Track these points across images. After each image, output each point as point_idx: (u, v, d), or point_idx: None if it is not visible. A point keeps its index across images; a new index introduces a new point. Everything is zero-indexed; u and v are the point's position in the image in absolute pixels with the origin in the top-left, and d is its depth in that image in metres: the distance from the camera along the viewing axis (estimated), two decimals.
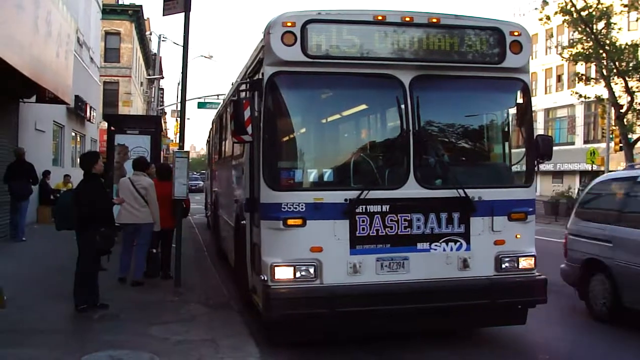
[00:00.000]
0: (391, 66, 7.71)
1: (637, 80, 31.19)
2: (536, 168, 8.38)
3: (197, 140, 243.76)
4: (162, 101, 65.89)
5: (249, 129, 7.44)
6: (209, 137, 20.95)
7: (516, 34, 8.01)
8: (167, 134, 63.33)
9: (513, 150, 8.55)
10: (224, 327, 8.42)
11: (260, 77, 7.62)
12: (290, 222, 7.30)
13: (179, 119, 14.73)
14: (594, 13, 30.10)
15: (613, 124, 34.71)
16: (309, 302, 7.25)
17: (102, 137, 31.30)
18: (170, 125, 69.87)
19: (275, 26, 7.38)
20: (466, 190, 7.64)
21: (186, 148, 12.16)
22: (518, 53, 7.99)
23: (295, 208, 7.31)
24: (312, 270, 7.34)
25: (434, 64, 7.82)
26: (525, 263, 8.01)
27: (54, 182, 21.59)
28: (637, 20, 38.11)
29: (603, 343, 8.86)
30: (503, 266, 7.89)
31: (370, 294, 7.37)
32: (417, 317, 7.73)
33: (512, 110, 8.53)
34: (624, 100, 32.25)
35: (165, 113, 65.84)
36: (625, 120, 32.27)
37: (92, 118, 30.51)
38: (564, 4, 30.72)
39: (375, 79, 7.80)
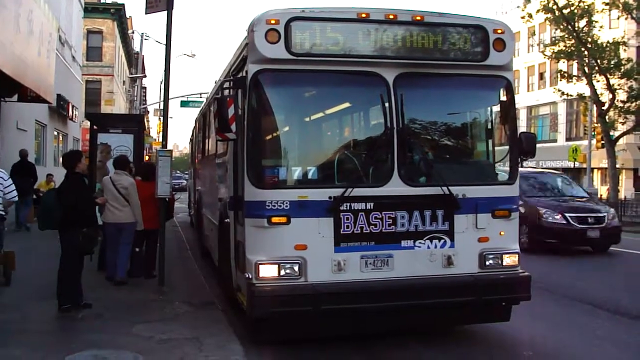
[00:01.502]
0: (375, 64, 7.71)
1: (618, 77, 31.53)
2: (519, 165, 8.40)
3: (180, 139, 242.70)
4: (145, 100, 65.59)
5: (233, 127, 7.41)
6: (192, 135, 20.84)
7: (499, 31, 8.02)
8: (150, 133, 63.07)
9: (496, 148, 8.58)
10: (207, 326, 8.41)
11: (244, 74, 7.61)
12: (275, 220, 7.30)
13: (161, 117, 14.68)
14: (575, 11, 30.38)
15: (595, 121, 34.99)
16: (293, 300, 7.24)
17: (85, 136, 31.06)
18: (153, 124, 69.70)
19: (259, 24, 7.35)
20: (450, 187, 7.65)
21: (169, 147, 12.13)
22: (501, 51, 8.00)
23: (280, 206, 7.30)
24: (296, 268, 7.33)
25: (417, 61, 7.83)
26: (509, 260, 8.04)
27: (37, 182, 21.42)
28: (618, 19, 38.40)
29: None
30: (487, 263, 7.91)
31: (354, 292, 7.38)
32: (401, 315, 7.73)
33: (496, 108, 8.53)
34: (605, 97, 32.59)
35: (148, 112, 65.59)
36: (607, 117, 32.60)
37: (74, 117, 30.34)
38: (546, 2, 30.97)
39: (360, 77, 7.79)
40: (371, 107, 8.42)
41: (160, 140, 15.12)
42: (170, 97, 12.55)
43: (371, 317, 7.64)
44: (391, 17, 7.71)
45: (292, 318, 7.46)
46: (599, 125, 33.36)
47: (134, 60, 59.43)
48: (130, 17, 56.08)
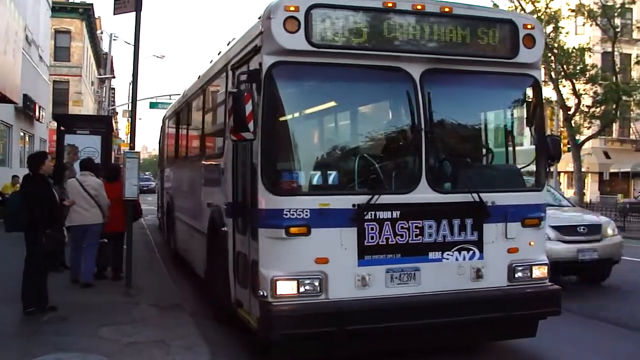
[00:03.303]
0: (400, 58, 7.09)
1: (584, 83, 32.05)
2: (547, 170, 8.01)
3: (149, 141, 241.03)
4: (114, 101, 65.08)
5: (251, 126, 6.61)
6: (161, 136, 19.93)
7: (529, 27, 7.55)
8: (118, 135, 62.54)
9: (519, 151, 8.21)
10: (175, 328, 8.36)
11: (258, 67, 6.83)
12: (294, 230, 6.60)
13: (130, 119, 14.59)
14: (542, 17, 30.75)
15: (561, 125, 35.50)
16: (315, 320, 6.57)
17: (52, 137, 30.75)
18: (122, 125, 68.96)
19: (277, 10, 6.65)
20: (480, 194, 7.15)
21: (138, 148, 12.07)
22: (531, 47, 7.53)
23: (299, 215, 6.62)
24: (317, 283, 6.64)
25: (445, 57, 7.26)
26: (538, 272, 7.54)
27: (1, 183, 21.18)
28: (583, 25, 38.88)
29: None
30: (516, 275, 7.40)
31: (381, 310, 6.72)
32: (423, 333, 7.12)
33: (524, 109, 8.06)
34: (571, 102, 33.08)
35: (117, 113, 65.00)
36: (572, 122, 33.11)
37: (41, 118, 30.04)
38: (513, 8, 31.32)
39: (383, 72, 7.21)
40: (396, 106, 7.83)
41: (129, 141, 14.99)
42: (139, 98, 12.52)
43: (392, 336, 7.04)
44: (419, 7, 7.12)
45: (312, 339, 6.78)
46: (565, 129, 33.82)
47: (102, 60, 58.94)
48: (99, 17, 55.59)
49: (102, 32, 56.91)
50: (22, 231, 8.86)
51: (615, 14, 33.10)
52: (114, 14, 11.62)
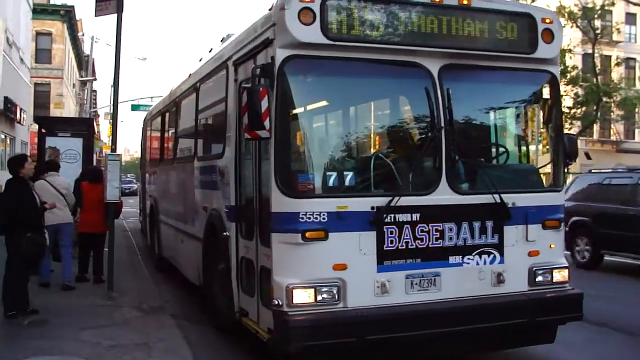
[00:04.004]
0: (418, 53, 6.78)
1: (564, 84, 32.32)
2: (566, 169, 7.78)
3: (130, 143, 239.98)
4: (95, 103, 64.66)
5: (267, 123, 6.18)
6: (143, 137, 19.19)
7: (548, 21, 7.29)
8: (100, 137, 62.23)
9: (539, 150, 8.07)
10: (157, 331, 8.36)
11: (270, 61, 6.46)
12: (310, 235, 6.23)
13: (112, 121, 14.54)
14: None
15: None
16: (333, 330, 6.17)
17: (33, 140, 30.56)
18: (104, 127, 68.66)
19: (292, 1, 6.28)
20: (501, 195, 6.88)
21: (119, 151, 12.05)
22: (550, 42, 7.28)
23: (316, 218, 6.26)
24: (335, 291, 6.27)
25: (463, 51, 6.96)
26: (559, 276, 7.29)
27: None
28: (564, 27, 39.28)
29: None
30: (537, 280, 7.15)
31: (401, 318, 6.39)
32: (445, 342, 6.75)
33: (542, 107, 7.94)
34: None
35: (99, 115, 64.64)
36: None
37: (22, 120, 29.79)
38: None
39: (401, 68, 6.90)
40: (414, 103, 7.44)
41: (110, 144, 14.88)
42: (120, 100, 12.45)
43: (407, 344, 6.65)
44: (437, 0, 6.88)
45: (330, 351, 6.36)
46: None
47: (84, 63, 58.53)
48: (80, 19, 55.26)
49: (83, 34, 56.62)
50: (2, 234, 8.83)
51: (595, 16, 33.46)
52: (95, 16, 11.58)
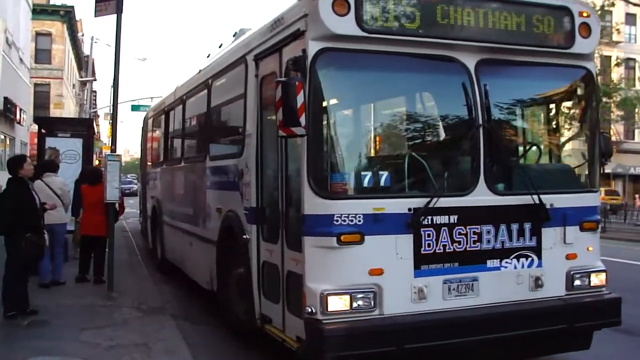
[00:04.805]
0: (454, 47, 6.53)
1: None
2: (601, 169, 7.53)
3: (130, 144, 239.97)
4: (95, 104, 64.76)
5: (302, 120, 5.78)
6: (144, 136, 18.67)
7: (585, 15, 7.05)
8: (100, 137, 62.26)
9: (575, 149, 7.80)
10: (157, 331, 8.35)
11: (302, 54, 6.07)
12: (346, 238, 5.92)
13: (111, 121, 14.52)
14: None
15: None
16: (370, 339, 5.87)
17: (33, 140, 30.57)
18: (104, 128, 68.75)
19: None
20: (540, 196, 6.63)
21: (119, 151, 12.05)
22: (587, 37, 7.05)
23: (351, 220, 5.96)
24: (371, 297, 5.98)
25: (500, 46, 6.71)
26: (596, 280, 7.05)
27: None
28: None
29: None
30: (575, 284, 6.92)
31: (440, 325, 6.12)
32: (482, 349, 6.47)
33: (578, 104, 7.79)
34: None
35: (98, 116, 64.70)
36: None
37: (22, 120, 29.80)
38: None
39: (437, 62, 6.63)
40: (451, 99, 7.09)
41: (110, 144, 14.84)
42: (120, 101, 12.45)
43: (444, 353, 6.34)
44: None
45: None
46: None
47: (84, 63, 58.60)
48: (80, 19, 55.29)
49: (83, 35, 56.67)
50: (1, 234, 8.83)
51: None
52: (95, 17, 11.57)
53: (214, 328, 9.02)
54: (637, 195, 48.88)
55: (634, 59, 51.73)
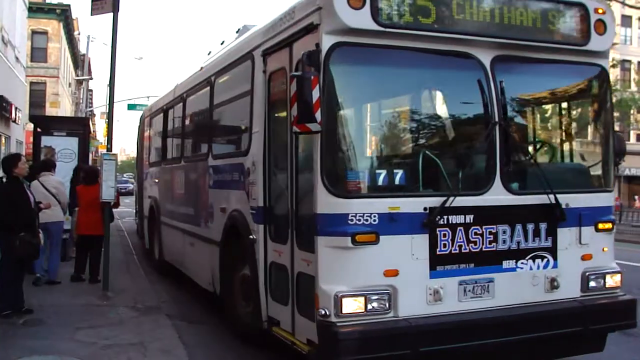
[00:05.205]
0: (470, 42, 6.42)
1: None
2: (616, 169, 7.47)
3: (127, 143, 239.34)
4: (91, 103, 64.63)
5: (318, 115, 5.64)
6: (141, 135, 18.41)
7: (600, 12, 6.97)
8: (96, 136, 62.13)
9: (588, 148, 7.82)
10: (152, 331, 8.35)
11: (316, 48, 5.91)
12: (361, 238, 5.80)
13: (107, 120, 14.41)
14: None
15: None
16: (386, 342, 5.76)
17: (28, 139, 30.47)
18: (100, 127, 68.51)
19: None
20: (556, 195, 6.55)
21: (115, 150, 12.03)
22: (602, 34, 6.96)
23: (366, 220, 5.85)
24: (386, 299, 5.87)
25: (515, 42, 6.62)
26: (611, 281, 6.97)
27: None
28: None
29: None
30: (590, 285, 6.84)
31: (456, 327, 6.03)
32: (498, 352, 6.38)
33: (593, 102, 7.70)
34: None
35: (95, 115, 64.59)
36: None
37: (17, 119, 29.71)
38: None
39: (452, 58, 6.52)
40: (466, 96, 6.90)
41: (106, 143, 14.75)
42: (116, 100, 12.46)
43: (459, 356, 6.21)
44: None
45: None
46: None
47: (80, 62, 58.58)
48: (76, 18, 55.25)
49: (79, 33, 56.59)
50: None
51: None
52: (91, 15, 11.56)
53: (210, 327, 9.02)
54: (636, 197, 48.90)
55: (629, 61, 51.78)
